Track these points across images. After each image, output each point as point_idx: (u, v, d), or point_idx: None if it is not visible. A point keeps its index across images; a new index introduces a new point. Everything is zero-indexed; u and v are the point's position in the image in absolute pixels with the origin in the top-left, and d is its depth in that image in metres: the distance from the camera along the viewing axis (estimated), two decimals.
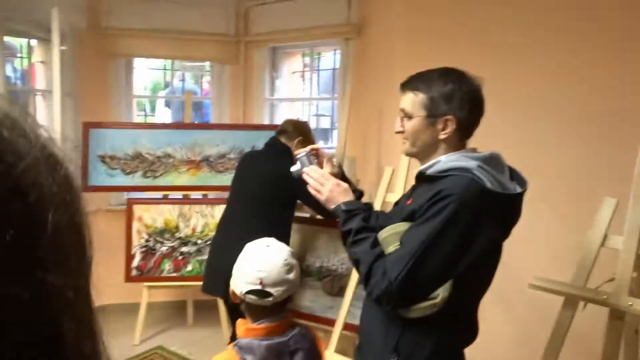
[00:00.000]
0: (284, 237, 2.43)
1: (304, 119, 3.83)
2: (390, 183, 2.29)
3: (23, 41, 3.79)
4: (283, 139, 2.65)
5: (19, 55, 5.50)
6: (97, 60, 3.70)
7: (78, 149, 3.40)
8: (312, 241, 2.86)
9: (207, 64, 4.14)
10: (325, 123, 4.40)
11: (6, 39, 4.53)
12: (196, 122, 4.73)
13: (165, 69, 5.04)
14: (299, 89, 4.17)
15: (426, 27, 2.67)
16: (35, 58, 3.65)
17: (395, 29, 2.93)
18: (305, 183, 1.37)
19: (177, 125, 3.67)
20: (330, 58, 4.08)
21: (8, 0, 3.13)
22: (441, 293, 1.19)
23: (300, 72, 4.18)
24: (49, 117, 3.51)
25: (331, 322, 2.55)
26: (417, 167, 1.38)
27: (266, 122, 3.92)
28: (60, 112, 3.13)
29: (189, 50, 3.98)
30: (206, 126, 3.84)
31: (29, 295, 0.27)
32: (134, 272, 3.30)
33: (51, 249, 0.29)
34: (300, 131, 2.70)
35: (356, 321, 2.63)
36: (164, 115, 6.21)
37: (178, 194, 3.40)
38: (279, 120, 3.98)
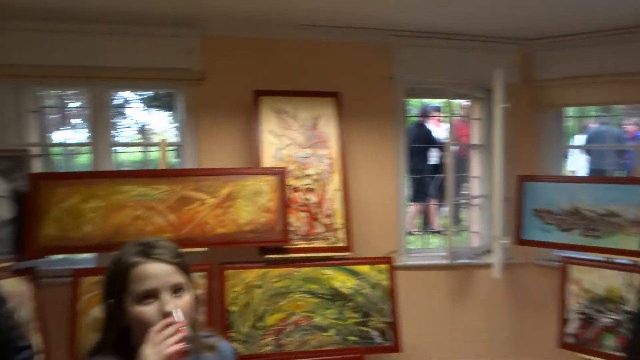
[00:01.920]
0: None
1: None
2: None
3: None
4: None
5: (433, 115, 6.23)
6: (527, 113, 3.71)
7: (510, 201, 3.44)
8: None
9: None
10: None
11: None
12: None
13: (594, 115, 4.67)
14: None
15: None
16: (472, 115, 3.96)
17: None
18: None
19: (623, 180, 3.25)
20: None
21: (456, 69, 3.52)
22: None
23: None
24: (486, 171, 3.73)
25: None
26: None
27: None
28: (500, 166, 3.26)
29: (629, 93, 3.52)
30: None
31: None
32: (568, 339, 3.03)
33: None
34: None
35: None
36: (579, 162, 5.72)
37: (625, 259, 2.95)
38: None
